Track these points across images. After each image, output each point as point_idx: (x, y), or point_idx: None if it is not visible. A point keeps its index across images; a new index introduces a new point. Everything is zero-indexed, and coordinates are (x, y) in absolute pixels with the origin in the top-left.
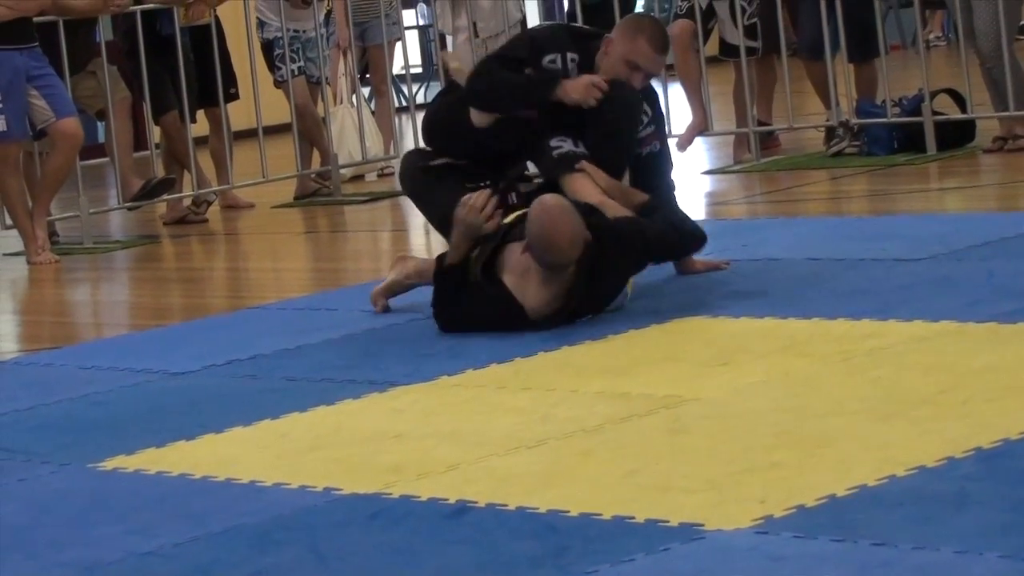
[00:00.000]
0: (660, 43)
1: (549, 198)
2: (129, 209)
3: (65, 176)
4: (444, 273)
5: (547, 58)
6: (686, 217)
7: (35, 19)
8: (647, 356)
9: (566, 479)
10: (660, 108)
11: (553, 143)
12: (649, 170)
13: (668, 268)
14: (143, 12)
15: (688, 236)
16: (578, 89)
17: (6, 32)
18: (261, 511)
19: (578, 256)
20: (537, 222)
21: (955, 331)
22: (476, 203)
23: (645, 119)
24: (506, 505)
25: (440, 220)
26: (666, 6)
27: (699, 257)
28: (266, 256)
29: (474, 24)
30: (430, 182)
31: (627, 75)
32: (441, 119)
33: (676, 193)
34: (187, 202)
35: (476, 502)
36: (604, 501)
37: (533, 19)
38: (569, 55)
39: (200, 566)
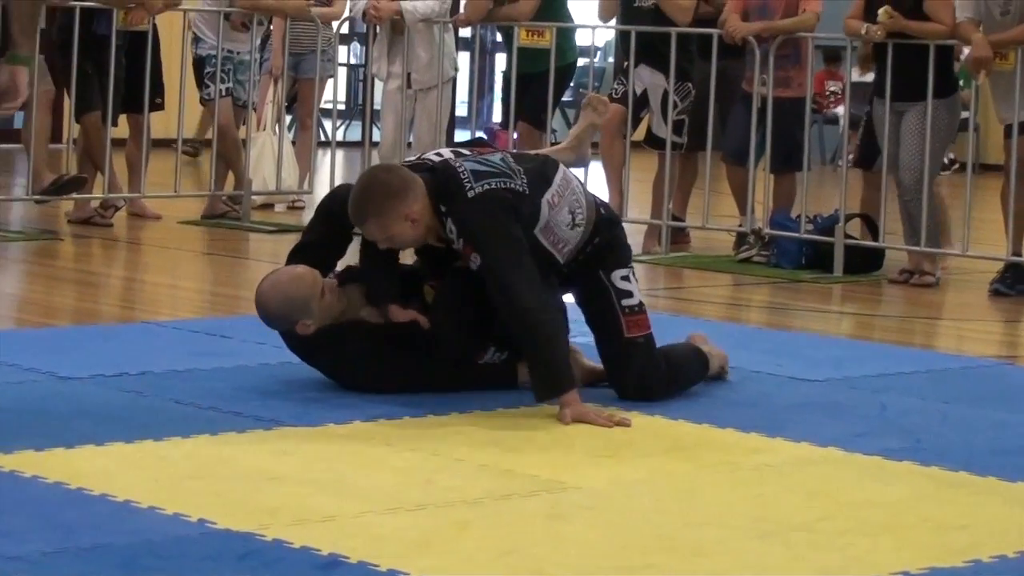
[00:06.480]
0: None
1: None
2: (37, 202)
3: None
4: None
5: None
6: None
7: None
8: (534, 437)
9: (441, 549)
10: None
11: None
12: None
13: None
14: (82, 9)
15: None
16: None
17: None
18: (133, 533)
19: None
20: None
21: (841, 459)
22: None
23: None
24: (378, 565)
25: None
26: (596, 85)
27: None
28: (165, 271)
29: (408, 74)
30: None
31: None
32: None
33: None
34: (95, 204)
35: (348, 558)
36: None
37: (465, 78)
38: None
39: None
